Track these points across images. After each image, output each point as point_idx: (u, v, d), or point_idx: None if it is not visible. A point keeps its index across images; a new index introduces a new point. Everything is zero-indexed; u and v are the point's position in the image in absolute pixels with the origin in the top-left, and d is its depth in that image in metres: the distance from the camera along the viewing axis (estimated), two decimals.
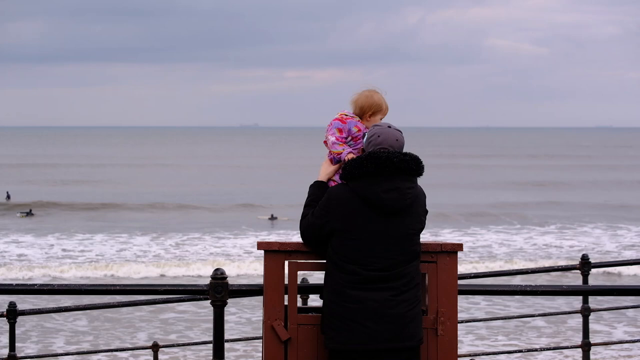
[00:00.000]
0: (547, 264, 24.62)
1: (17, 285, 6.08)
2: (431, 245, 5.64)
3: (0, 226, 33.92)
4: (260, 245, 5.65)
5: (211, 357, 5.93)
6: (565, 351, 14.13)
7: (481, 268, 23.82)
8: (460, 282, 5.75)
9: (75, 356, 13.71)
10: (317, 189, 5.66)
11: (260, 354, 5.69)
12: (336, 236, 5.46)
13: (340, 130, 5.68)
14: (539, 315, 9.73)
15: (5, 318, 7.41)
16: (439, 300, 5.60)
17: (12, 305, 7.38)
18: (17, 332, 15.46)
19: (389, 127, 5.58)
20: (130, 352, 14.40)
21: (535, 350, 9.75)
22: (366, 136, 5.60)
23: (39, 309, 8.31)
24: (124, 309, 17.58)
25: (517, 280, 18.80)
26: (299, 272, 5.63)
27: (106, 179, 61.22)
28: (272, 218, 37.17)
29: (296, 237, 5.75)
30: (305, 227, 5.56)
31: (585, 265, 8.28)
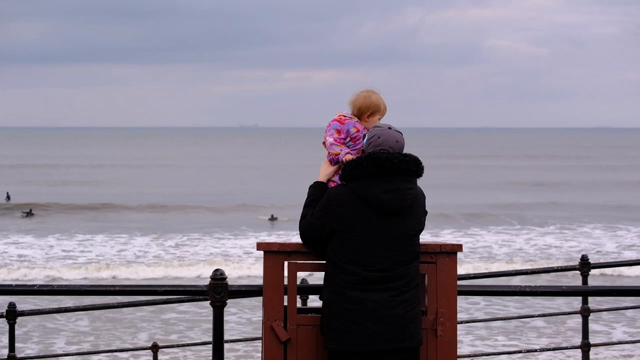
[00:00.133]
0: (546, 264, 24.62)
1: (16, 286, 6.09)
2: (431, 246, 5.64)
3: (0, 227, 33.92)
4: (259, 246, 5.65)
5: (211, 358, 5.93)
6: (565, 351, 14.13)
7: (481, 269, 23.81)
8: (459, 282, 5.76)
9: (75, 356, 13.70)
10: (317, 190, 5.66)
11: (260, 355, 5.69)
12: (336, 237, 5.46)
13: (338, 132, 5.69)
14: (539, 315, 9.73)
15: (5, 319, 7.42)
16: (439, 301, 5.61)
17: (11, 305, 7.38)
18: (18, 332, 15.54)
19: (389, 128, 5.59)
20: (130, 352, 14.40)
21: (535, 350, 9.76)
22: (366, 137, 5.60)
23: (38, 309, 8.31)
24: (126, 309, 17.59)
25: (516, 281, 18.80)
26: (298, 273, 5.64)
27: (106, 179, 61.22)
28: (272, 218, 37.16)
29: (296, 238, 5.75)
30: (304, 228, 5.57)
31: (584, 265, 8.28)
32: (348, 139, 5.69)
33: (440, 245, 5.65)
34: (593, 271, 11.72)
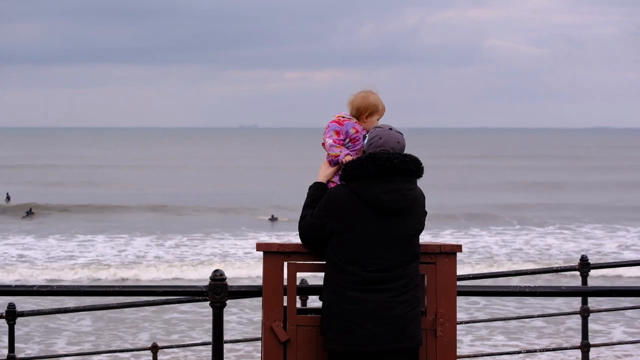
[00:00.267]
0: (546, 265, 24.62)
1: (16, 286, 6.09)
2: (430, 247, 5.64)
3: (0, 227, 33.93)
4: (259, 247, 5.65)
5: (211, 358, 5.93)
6: (565, 351, 14.13)
7: (481, 269, 23.81)
8: (459, 283, 5.76)
9: (74, 357, 13.70)
10: (316, 190, 5.66)
11: (260, 355, 5.69)
12: (336, 237, 5.46)
13: (337, 133, 5.69)
14: (538, 316, 9.73)
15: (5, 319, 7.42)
16: (438, 301, 5.61)
17: (11, 306, 7.38)
18: (20, 332, 15.55)
19: (390, 129, 5.59)
20: (130, 352, 14.40)
21: (535, 351, 9.77)
22: (367, 138, 5.60)
23: (38, 310, 8.31)
24: (127, 309, 17.60)
25: (516, 281, 18.80)
26: (298, 274, 5.64)
27: (106, 179, 61.22)
28: (273, 219, 37.17)
29: (296, 239, 5.75)
30: (304, 228, 5.57)
31: (584, 266, 8.28)
32: (347, 140, 5.69)
33: (440, 246, 5.65)
34: (593, 271, 11.73)
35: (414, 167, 5.49)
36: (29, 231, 32.64)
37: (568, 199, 46.92)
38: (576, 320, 15.78)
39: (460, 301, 15.03)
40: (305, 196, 5.70)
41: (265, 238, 29.72)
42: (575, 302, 16.03)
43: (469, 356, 9.54)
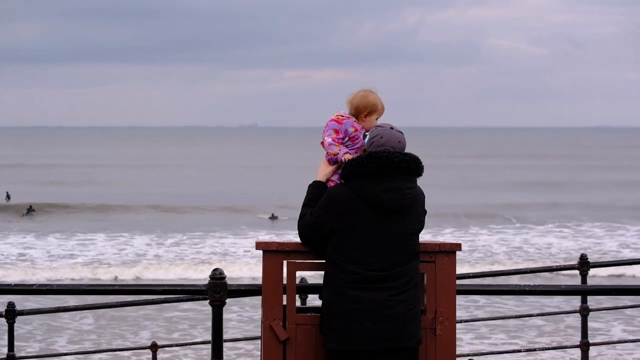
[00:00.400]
0: (546, 263, 24.63)
1: (15, 285, 6.09)
2: (430, 245, 5.64)
3: (0, 227, 33.93)
4: (258, 246, 5.65)
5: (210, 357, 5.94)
6: (565, 350, 14.13)
7: (480, 268, 23.82)
8: (458, 281, 5.76)
9: (74, 356, 13.71)
10: (316, 189, 5.66)
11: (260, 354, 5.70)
12: (336, 236, 5.46)
13: (336, 131, 5.69)
14: (538, 315, 9.73)
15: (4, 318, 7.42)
16: (438, 300, 5.61)
17: (10, 305, 7.38)
18: (22, 331, 15.55)
19: (391, 128, 5.59)
20: (131, 351, 14.41)
21: (534, 350, 9.76)
22: (368, 136, 5.60)
23: (37, 308, 8.32)
24: (129, 308, 17.60)
25: (515, 280, 18.80)
26: (297, 272, 5.64)
27: (106, 179, 61.21)
28: (273, 217, 37.18)
29: (295, 237, 5.76)
30: (303, 227, 5.57)
31: (584, 265, 8.28)
32: (346, 138, 5.69)
33: (440, 245, 5.65)
34: (592, 270, 11.73)
35: (414, 166, 5.49)
36: (29, 230, 32.65)
37: (568, 198, 46.92)
38: (576, 318, 15.78)
39: (460, 299, 15.02)
40: (304, 195, 5.70)
41: (265, 237, 29.72)
42: (575, 301, 16.04)
43: (468, 355, 9.54)
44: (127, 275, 23.60)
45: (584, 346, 8.60)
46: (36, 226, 34.47)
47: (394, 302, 5.39)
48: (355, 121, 5.73)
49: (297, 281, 5.90)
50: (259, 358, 5.68)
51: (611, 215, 37.77)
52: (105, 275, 23.64)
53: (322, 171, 5.71)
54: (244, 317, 17.30)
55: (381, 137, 5.54)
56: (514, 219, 36.54)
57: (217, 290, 5.80)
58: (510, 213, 38.68)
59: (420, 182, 5.63)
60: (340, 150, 5.64)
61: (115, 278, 23.38)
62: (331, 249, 5.47)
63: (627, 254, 26.90)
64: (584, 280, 8.29)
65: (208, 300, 5.83)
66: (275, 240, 5.77)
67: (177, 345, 9.58)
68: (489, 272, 8.62)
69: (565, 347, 9.65)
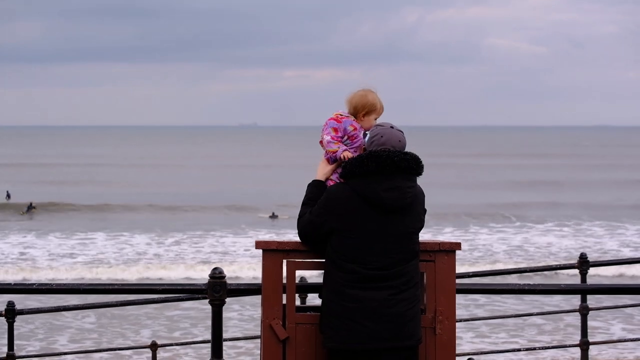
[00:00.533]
0: (546, 262, 24.64)
1: (15, 284, 6.10)
2: (429, 244, 5.64)
3: (0, 226, 33.95)
4: (258, 245, 5.65)
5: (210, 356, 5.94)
6: (565, 349, 14.14)
7: (480, 267, 23.83)
8: (458, 281, 5.76)
9: (74, 355, 13.72)
10: (315, 188, 5.66)
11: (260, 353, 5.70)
12: (335, 235, 5.46)
13: (335, 130, 5.69)
14: (538, 314, 9.74)
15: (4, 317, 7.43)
16: (437, 299, 5.61)
17: (10, 304, 7.39)
18: (25, 329, 15.57)
19: (392, 127, 5.59)
20: (131, 350, 14.42)
21: (534, 349, 9.77)
22: (368, 135, 5.60)
23: (37, 308, 8.32)
24: (130, 306, 17.64)
25: (515, 279, 18.79)
26: (297, 272, 5.64)
27: (106, 178, 61.23)
28: (273, 216, 37.21)
29: (295, 236, 5.76)
30: (303, 226, 5.57)
31: (583, 264, 8.28)
32: (346, 137, 5.69)
33: (439, 244, 5.65)
34: (592, 269, 11.73)
35: (414, 165, 5.50)
36: (29, 230, 32.67)
37: (568, 197, 46.93)
38: (575, 316, 15.79)
39: (460, 298, 15.04)
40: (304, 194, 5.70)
41: (265, 236, 29.74)
42: (575, 299, 16.05)
43: (468, 354, 9.55)
44: (127, 275, 23.61)
45: (584, 345, 8.60)
46: (36, 225, 34.50)
47: (394, 301, 5.39)
48: (354, 120, 5.73)
49: (297, 280, 5.90)
50: (259, 357, 5.68)
51: (611, 214, 37.79)
52: (105, 275, 23.66)
53: (321, 170, 5.71)
54: (244, 315, 17.33)
55: (381, 136, 5.54)
56: (514, 217, 36.56)
57: (217, 290, 5.81)
58: (510, 212, 38.70)
59: (420, 181, 5.63)
60: (339, 147, 5.64)
61: (115, 277, 23.39)
62: (331, 248, 5.48)
63: (627, 253, 26.92)
64: (583, 279, 8.29)
65: (208, 300, 5.83)
66: (275, 240, 5.77)
67: (177, 344, 9.59)
68: (489, 271, 8.62)
69: (565, 346, 9.64)
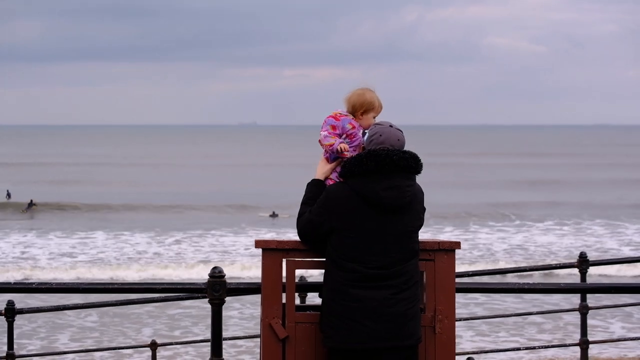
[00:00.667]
0: (546, 261, 24.64)
1: (15, 284, 6.10)
2: (429, 244, 5.63)
3: (1, 225, 33.95)
4: (257, 244, 5.65)
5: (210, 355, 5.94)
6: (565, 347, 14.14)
7: (480, 266, 23.83)
8: (458, 280, 5.76)
9: (74, 354, 13.73)
10: (314, 187, 5.66)
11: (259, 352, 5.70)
12: (335, 234, 5.45)
13: (333, 127, 5.69)
14: (538, 313, 9.74)
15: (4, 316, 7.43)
16: (437, 298, 5.60)
17: (10, 303, 7.39)
18: (27, 328, 15.57)
19: (391, 126, 5.58)
20: (132, 348, 14.43)
21: (534, 348, 9.76)
22: (367, 134, 5.60)
23: (37, 307, 8.32)
24: (132, 305, 17.66)
25: (515, 278, 18.80)
26: (296, 271, 5.64)
27: (106, 178, 61.22)
28: (274, 215, 37.21)
29: (295, 235, 5.76)
30: (303, 225, 5.56)
31: (583, 263, 8.28)
32: (344, 135, 5.68)
33: (439, 243, 5.64)
34: (592, 268, 11.73)
35: (413, 164, 5.49)
36: (30, 229, 32.67)
37: (568, 196, 46.93)
38: (575, 315, 15.80)
39: (460, 297, 15.04)
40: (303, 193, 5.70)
41: (265, 235, 29.74)
42: (575, 298, 16.06)
43: (467, 353, 9.55)
44: (127, 274, 23.61)
45: (584, 344, 8.61)
46: (37, 224, 34.51)
47: (394, 301, 5.39)
48: (353, 119, 5.73)
49: (297, 279, 5.90)
50: (259, 356, 5.68)
51: (611, 213, 37.78)
52: (105, 274, 23.66)
53: (321, 169, 5.71)
54: (245, 314, 17.34)
55: (380, 135, 5.54)
56: (514, 216, 36.56)
57: (217, 289, 5.80)
58: (510, 211, 38.70)
59: (420, 180, 5.62)
60: (335, 140, 5.63)
61: (115, 276, 23.39)
62: (331, 248, 5.47)
63: (627, 252, 26.92)
64: (583, 278, 8.29)
65: (207, 299, 5.83)
66: (275, 239, 5.77)
67: (177, 343, 9.59)
68: (489, 270, 8.62)
69: (565, 345, 9.65)
